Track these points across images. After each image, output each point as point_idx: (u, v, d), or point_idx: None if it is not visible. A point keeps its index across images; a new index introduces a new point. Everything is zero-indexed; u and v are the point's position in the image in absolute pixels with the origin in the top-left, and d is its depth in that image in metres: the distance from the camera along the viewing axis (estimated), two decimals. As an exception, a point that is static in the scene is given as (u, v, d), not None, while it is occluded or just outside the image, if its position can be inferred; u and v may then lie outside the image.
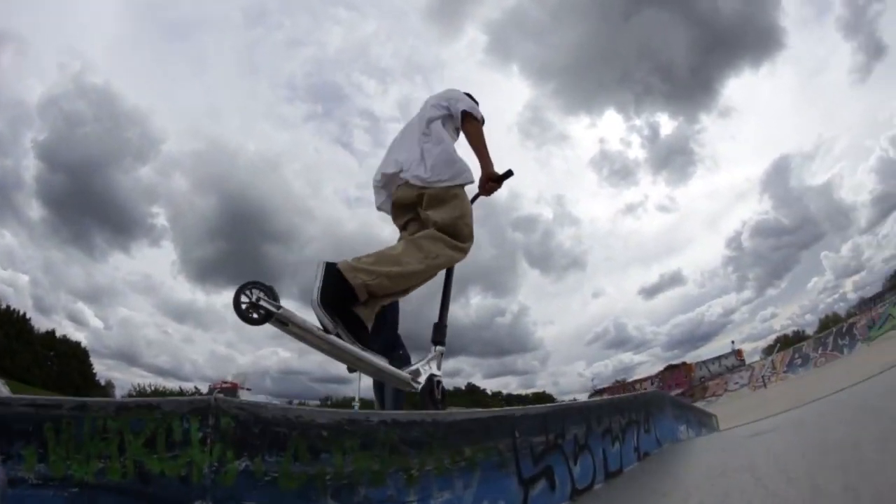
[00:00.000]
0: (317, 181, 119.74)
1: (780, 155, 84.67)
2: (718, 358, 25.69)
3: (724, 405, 19.64)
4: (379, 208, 2.49)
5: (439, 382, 2.09)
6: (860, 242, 69.84)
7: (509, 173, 2.39)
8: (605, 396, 28.66)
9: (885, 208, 67.28)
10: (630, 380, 29.04)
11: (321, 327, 1.72)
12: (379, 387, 3.06)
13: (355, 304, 1.80)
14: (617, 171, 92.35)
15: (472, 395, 58.58)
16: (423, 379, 2.03)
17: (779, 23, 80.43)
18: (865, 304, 22.87)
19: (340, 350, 1.75)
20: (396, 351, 2.82)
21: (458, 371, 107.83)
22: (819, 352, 19.80)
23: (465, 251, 2.18)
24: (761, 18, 78.93)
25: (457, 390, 58.93)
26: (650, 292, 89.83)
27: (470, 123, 2.37)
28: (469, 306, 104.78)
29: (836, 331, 20.12)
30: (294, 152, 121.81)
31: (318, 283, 1.71)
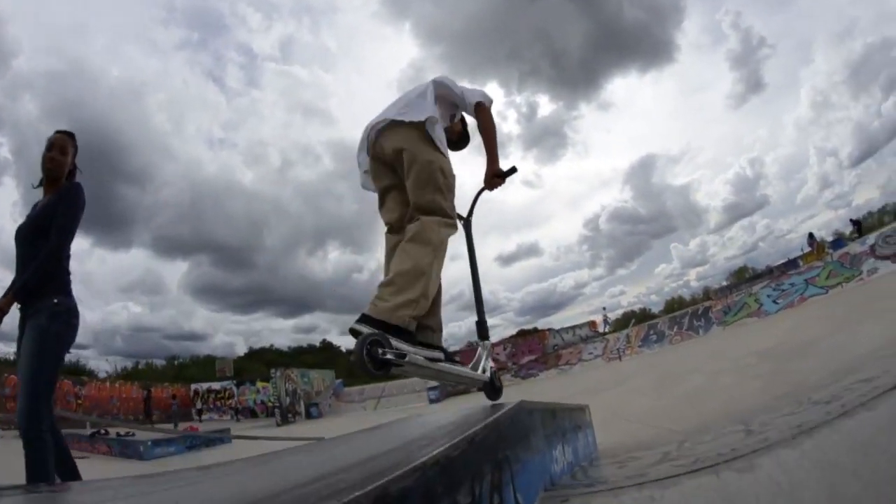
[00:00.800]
0: (180, 117, 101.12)
1: (648, 153, 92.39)
2: (573, 327, 24.58)
3: (580, 375, 18.38)
4: (363, 186, 2.40)
5: (495, 373, 2.27)
6: (707, 240, 79.79)
7: (513, 170, 2.35)
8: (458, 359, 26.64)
9: (733, 216, 77.69)
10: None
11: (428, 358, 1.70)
12: None
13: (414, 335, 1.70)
14: None
15: (327, 352, 56.85)
16: (488, 373, 2.19)
17: (675, 40, 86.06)
18: (716, 294, 23.60)
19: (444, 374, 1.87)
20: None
21: (314, 327, 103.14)
22: (674, 330, 19.57)
23: (455, 226, 2.04)
24: (660, 32, 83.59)
25: (311, 347, 58.37)
26: (507, 260, 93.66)
27: (485, 113, 2.20)
28: (327, 261, 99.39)
29: (691, 312, 19.98)
30: (160, 82, 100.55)
31: (368, 351, 1.42)
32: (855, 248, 15.42)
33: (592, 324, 25.36)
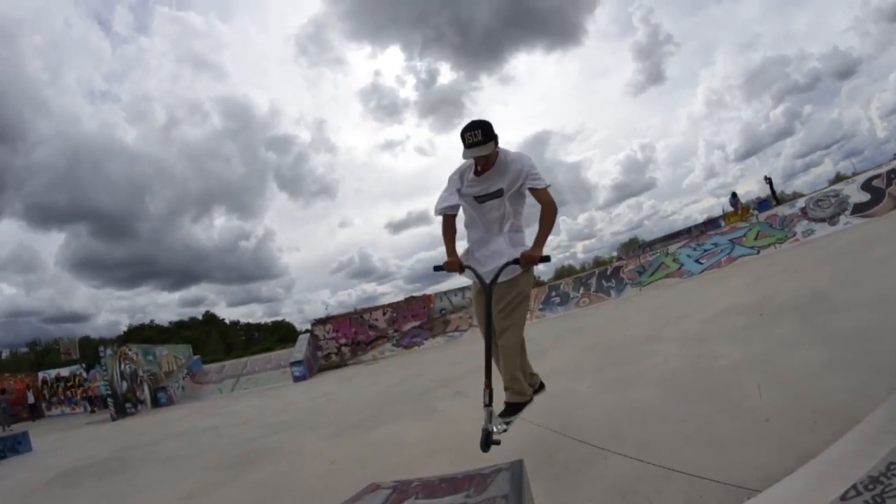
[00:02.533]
0: (58, 64, 79.11)
1: (543, 129, 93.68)
2: (463, 289, 20.86)
3: (470, 343, 14.57)
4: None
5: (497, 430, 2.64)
6: (595, 216, 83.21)
7: (548, 258, 2.68)
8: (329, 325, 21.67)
9: (621, 195, 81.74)
10: (361, 308, 22.16)
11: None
12: None
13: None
14: (385, 106, 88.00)
15: (210, 324, 53.93)
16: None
17: (585, 25, 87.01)
18: (626, 253, 21.24)
19: None
20: None
21: (202, 299, 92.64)
22: (580, 291, 16.76)
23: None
24: (572, 15, 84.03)
25: (193, 321, 54.52)
26: (397, 227, 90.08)
27: (551, 208, 2.76)
28: (213, 228, 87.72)
29: (599, 272, 17.33)
30: (39, 22, 77.09)
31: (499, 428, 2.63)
32: (784, 210, 14.79)
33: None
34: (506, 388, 2.79)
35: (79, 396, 22.26)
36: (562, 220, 79.37)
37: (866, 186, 12.83)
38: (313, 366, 18.93)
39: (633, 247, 19.44)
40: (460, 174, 2.82)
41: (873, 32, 65.55)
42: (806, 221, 13.50)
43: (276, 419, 7.76)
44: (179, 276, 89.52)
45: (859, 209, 12.64)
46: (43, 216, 73.15)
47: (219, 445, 6.17)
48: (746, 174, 78.26)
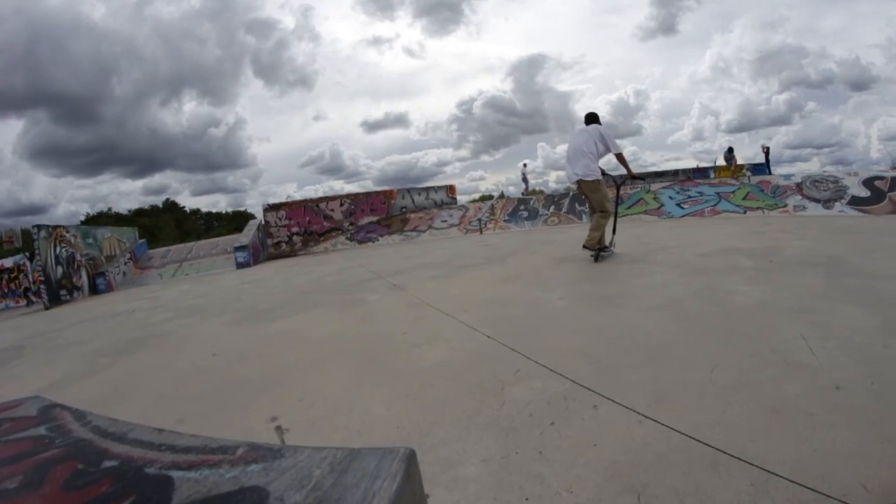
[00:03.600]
0: None
1: (539, 53, 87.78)
2: (427, 189, 19.63)
3: (428, 243, 13.70)
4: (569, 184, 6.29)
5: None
6: None
7: (641, 177, 6.19)
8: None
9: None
10: (313, 198, 20.77)
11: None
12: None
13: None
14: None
15: (172, 212, 52.01)
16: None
17: None
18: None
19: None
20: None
21: (165, 187, 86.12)
22: (551, 210, 16.01)
23: (608, 213, 5.26)
24: None
25: (153, 208, 53.06)
26: (372, 127, 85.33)
27: (621, 158, 5.22)
28: (181, 113, 79.18)
29: (572, 195, 16.54)
30: None
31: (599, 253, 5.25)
32: (778, 180, 13.92)
33: (451, 189, 20.76)
34: (588, 242, 5.22)
35: (23, 289, 20.06)
36: (539, 147, 77.27)
37: (868, 184, 12.15)
38: (260, 253, 17.72)
39: (526, 189, 19.06)
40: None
41: (900, 57, 62.36)
42: (799, 196, 12.78)
43: (192, 303, 6.91)
44: (143, 163, 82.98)
45: (857, 202, 11.94)
46: (0, 102, 62.39)
47: (118, 330, 5.44)
48: (733, 146, 77.57)
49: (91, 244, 18.81)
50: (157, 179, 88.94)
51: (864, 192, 12.16)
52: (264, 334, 3.79)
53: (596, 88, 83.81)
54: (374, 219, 19.50)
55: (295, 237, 19.42)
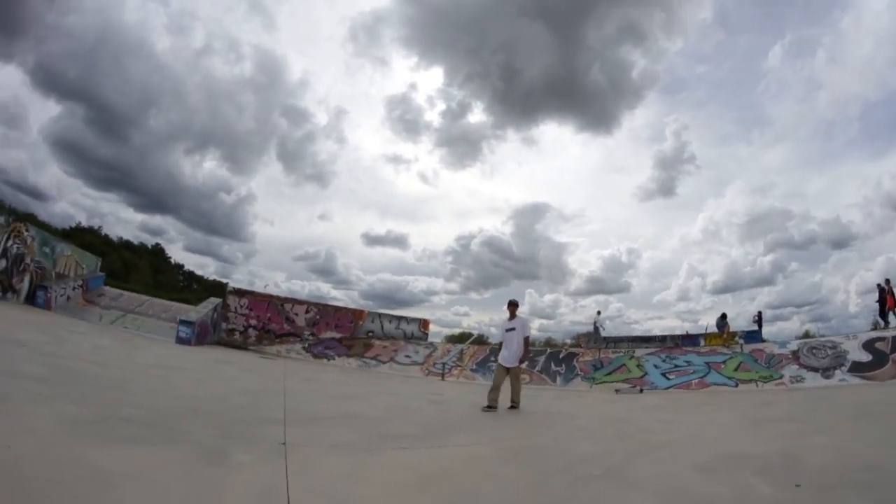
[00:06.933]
0: None
1: (544, 202, 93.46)
2: (399, 318, 18.50)
3: (382, 378, 12.00)
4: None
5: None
6: (562, 299, 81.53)
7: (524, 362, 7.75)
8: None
9: (593, 289, 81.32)
10: (283, 296, 19.77)
11: None
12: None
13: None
14: (407, 121, 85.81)
15: (154, 258, 52.09)
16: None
17: (621, 119, 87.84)
18: (584, 342, 18.62)
19: None
20: None
21: (162, 231, 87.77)
22: (523, 366, 14.24)
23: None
24: (612, 106, 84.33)
25: (141, 246, 52.81)
26: (373, 241, 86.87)
27: (527, 342, 7.34)
28: (200, 168, 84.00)
29: (550, 352, 15.15)
30: None
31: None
32: (772, 348, 12.71)
33: (425, 323, 19.46)
34: (512, 401, 7.11)
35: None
36: (528, 292, 77.63)
37: (868, 346, 11.32)
38: (209, 334, 15.87)
39: (598, 338, 16.75)
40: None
41: (876, 215, 68.03)
42: (796, 366, 11.87)
43: (58, 369, 5.22)
44: (151, 200, 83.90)
45: (858, 368, 11.11)
46: (48, 81, 66.12)
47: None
48: (716, 307, 79.06)
49: (46, 254, 17.27)
50: (157, 221, 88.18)
51: (865, 357, 11.26)
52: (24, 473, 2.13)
53: (590, 243, 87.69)
54: (336, 336, 17.95)
55: (251, 330, 17.77)
